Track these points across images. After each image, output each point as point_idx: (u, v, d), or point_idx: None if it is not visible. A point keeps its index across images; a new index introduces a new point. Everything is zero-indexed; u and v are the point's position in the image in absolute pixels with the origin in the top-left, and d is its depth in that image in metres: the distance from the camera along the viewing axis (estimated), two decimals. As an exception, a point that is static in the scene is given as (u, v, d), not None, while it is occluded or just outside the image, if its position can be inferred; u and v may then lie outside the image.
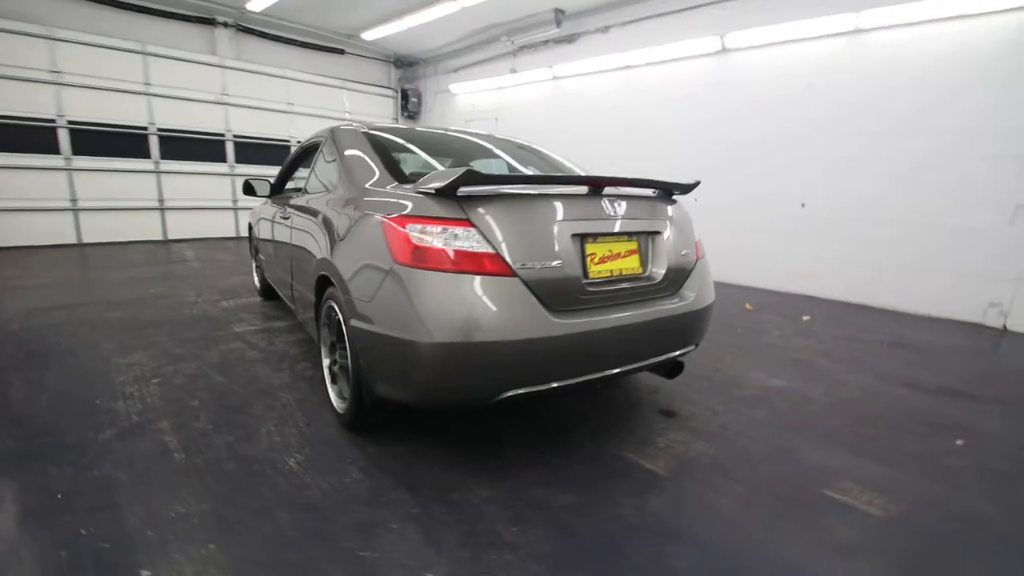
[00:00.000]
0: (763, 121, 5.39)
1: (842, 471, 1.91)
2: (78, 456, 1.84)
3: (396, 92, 10.21)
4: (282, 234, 2.94)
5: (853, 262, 4.92)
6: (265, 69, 8.39)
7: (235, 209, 8.49)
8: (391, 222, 1.63)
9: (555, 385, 1.64)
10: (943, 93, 4.31)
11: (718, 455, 2.01)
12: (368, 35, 8.28)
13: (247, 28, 8.21)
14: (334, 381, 2.18)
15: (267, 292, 4.22)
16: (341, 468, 1.82)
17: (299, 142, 9.48)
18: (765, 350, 3.43)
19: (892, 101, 4.56)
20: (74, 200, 6.95)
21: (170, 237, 7.83)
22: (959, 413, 2.50)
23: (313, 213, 2.36)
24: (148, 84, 7.29)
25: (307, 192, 2.76)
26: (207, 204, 8.17)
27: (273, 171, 9.37)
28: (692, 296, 2.00)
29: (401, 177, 2.00)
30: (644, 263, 1.94)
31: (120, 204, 7.32)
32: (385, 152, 2.20)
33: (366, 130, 2.45)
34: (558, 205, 1.74)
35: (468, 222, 1.56)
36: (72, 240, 7.03)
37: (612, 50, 6.59)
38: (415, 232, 1.56)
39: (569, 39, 7.17)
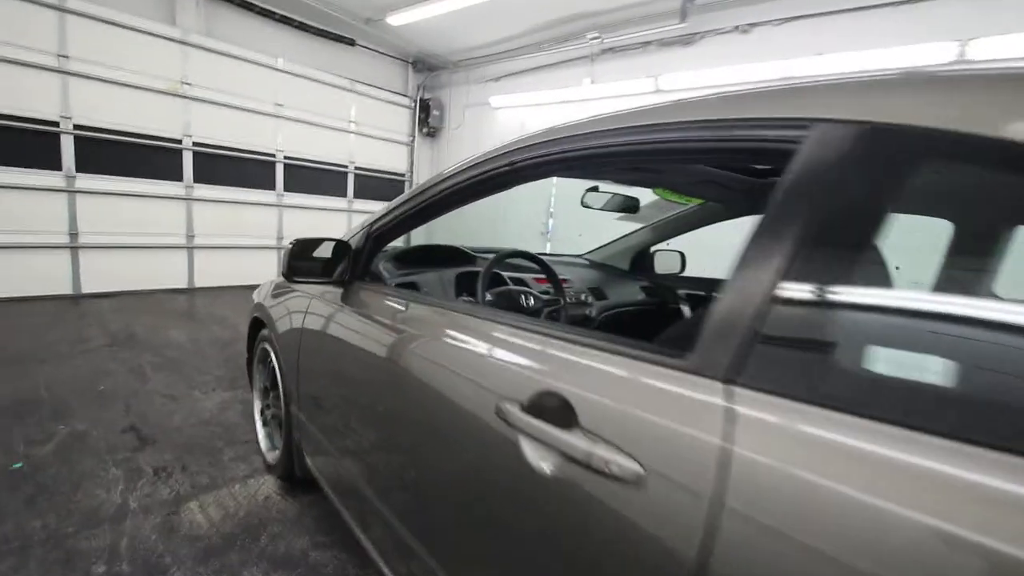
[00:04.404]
0: None
1: None
2: None
3: (414, 102, 8.02)
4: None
5: None
6: (246, 54, 6.00)
7: (189, 248, 5.89)
8: None
9: None
10: None
11: None
12: (395, 19, 6.10)
13: (223, -4, 5.86)
14: None
15: (297, 476, 1.84)
16: None
17: (287, 157, 6.72)
18: None
19: None
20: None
21: (84, 290, 5.13)
22: None
23: None
24: (64, 57, 4.74)
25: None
26: (148, 241, 5.54)
27: (256, 196, 6.52)
28: None
29: None
30: None
31: (12, 240, 4.62)
32: None
33: None
34: None
35: None
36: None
37: (763, 55, 4.79)
38: None
39: (686, 40, 5.34)
